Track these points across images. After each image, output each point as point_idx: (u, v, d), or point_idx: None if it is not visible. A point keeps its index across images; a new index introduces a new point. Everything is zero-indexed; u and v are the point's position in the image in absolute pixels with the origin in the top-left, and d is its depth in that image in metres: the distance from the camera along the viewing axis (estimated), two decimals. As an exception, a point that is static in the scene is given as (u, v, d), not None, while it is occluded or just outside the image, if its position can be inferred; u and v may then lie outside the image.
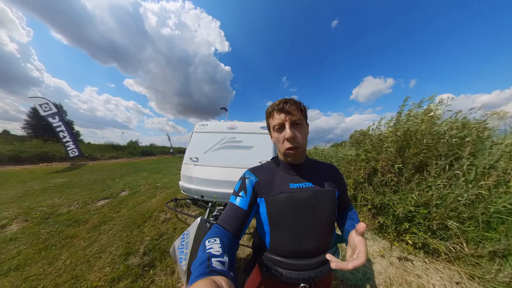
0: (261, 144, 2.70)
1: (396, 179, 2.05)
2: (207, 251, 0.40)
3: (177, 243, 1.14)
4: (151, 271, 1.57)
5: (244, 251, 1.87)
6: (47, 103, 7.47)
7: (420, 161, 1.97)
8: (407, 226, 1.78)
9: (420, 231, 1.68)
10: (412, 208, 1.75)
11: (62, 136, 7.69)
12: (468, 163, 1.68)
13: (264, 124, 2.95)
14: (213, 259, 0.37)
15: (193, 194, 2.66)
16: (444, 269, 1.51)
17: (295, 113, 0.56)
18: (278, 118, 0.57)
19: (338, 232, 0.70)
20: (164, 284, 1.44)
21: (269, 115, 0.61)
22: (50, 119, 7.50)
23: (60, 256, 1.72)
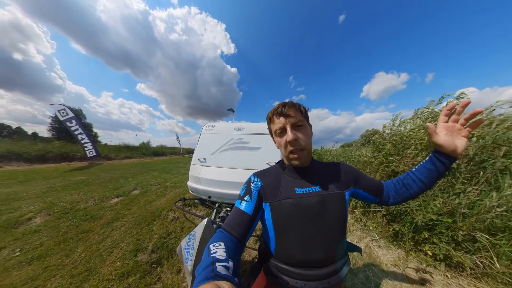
0: (269, 145, 2.68)
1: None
2: (211, 255, 0.40)
3: (183, 243, 1.16)
4: (159, 268, 1.61)
5: (250, 253, 1.85)
6: (64, 109, 8.13)
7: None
8: (426, 236, 1.62)
9: (442, 242, 1.52)
10: (433, 217, 1.58)
11: (80, 138, 8.28)
12: (503, 166, 1.48)
13: None
14: (217, 264, 0.37)
15: (201, 194, 2.70)
16: (469, 285, 1.36)
17: (295, 115, 0.55)
18: (278, 122, 0.56)
19: (349, 239, 0.66)
20: (170, 282, 1.47)
21: (269, 121, 0.61)
22: (68, 123, 8.16)
23: (76, 249, 1.82)
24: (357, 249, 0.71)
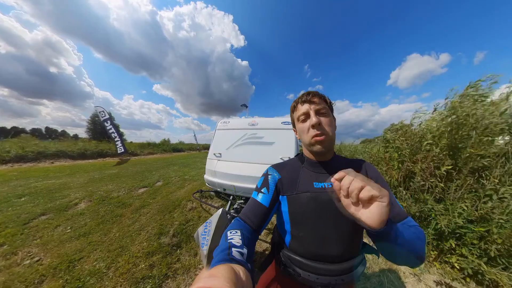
0: (283, 140, 2.68)
1: (442, 185, 1.63)
2: (228, 241, 0.42)
3: (200, 229, 1.27)
4: (178, 250, 1.78)
5: (261, 245, 1.92)
6: (103, 111, 9.33)
7: (481, 162, 1.50)
8: (453, 245, 1.44)
9: (472, 255, 1.33)
10: (461, 222, 1.39)
11: (114, 137, 9.34)
12: None
13: (285, 119, 2.91)
14: (233, 249, 0.39)
15: (216, 187, 2.85)
16: None
17: (319, 102, 0.55)
18: (302, 108, 0.56)
19: (365, 240, 0.62)
20: (188, 263, 1.61)
21: (293, 109, 0.61)
22: (105, 123, 9.33)
23: (112, 229, 2.12)
24: (374, 251, 0.66)
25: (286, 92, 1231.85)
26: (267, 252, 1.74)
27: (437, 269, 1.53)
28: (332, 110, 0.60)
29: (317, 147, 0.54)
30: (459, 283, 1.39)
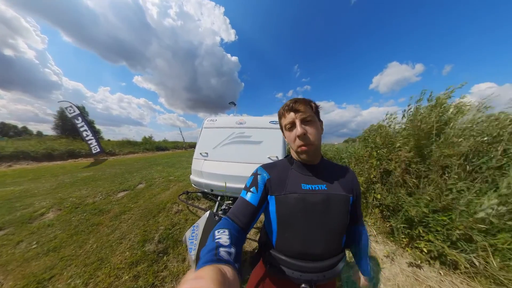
0: (270, 139, 2.67)
1: (414, 180, 1.87)
2: (216, 240, 0.42)
3: (188, 233, 1.24)
4: (165, 257, 1.71)
5: (251, 244, 1.95)
6: (71, 106, 8.22)
7: (445, 161, 1.73)
8: (421, 231, 1.65)
9: (437, 240, 1.54)
10: (426, 210, 1.60)
11: (85, 135, 8.43)
12: (498, 165, 1.48)
13: (273, 118, 2.93)
14: (221, 249, 0.39)
15: (203, 187, 2.77)
16: (462, 283, 1.39)
17: (305, 110, 0.56)
18: (288, 117, 0.58)
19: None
20: (176, 270, 1.57)
21: (281, 116, 0.62)
22: (75, 120, 8.31)
23: (88, 240, 1.94)
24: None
25: (275, 91, 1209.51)
26: (256, 251, 1.78)
27: (409, 253, 1.74)
28: (318, 115, 0.62)
29: (303, 156, 0.59)
30: (426, 263, 1.61)
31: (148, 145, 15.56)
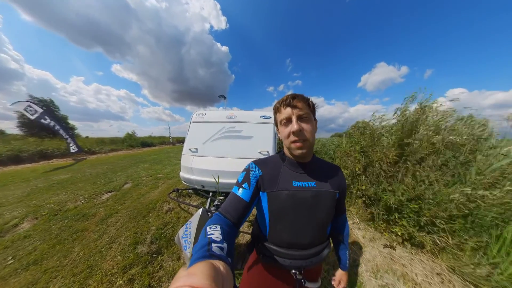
0: (261, 134, 2.66)
1: (393, 170, 2.08)
2: (208, 236, 0.42)
3: (181, 232, 1.23)
4: (159, 257, 1.70)
5: (244, 237, 2.00)
6: (29, 106, 6.75)
7: (420, 155, 1.96)
8: (396, 217, 1.87)
9: (410, 225, 1.78)
10: (403, 199, 1.81)
11: (61, 133, 7.53)
12: (463, 161, 1.71)
13: (264, 113, 2.89)
14: (213, 244, 0.39)
15: (194, 184, 2.73)
16: (428, 260, 1.64)
17: (302, 107, 0.56)
18: (285, 112, 0.57)
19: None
20: (172, 269, 1.57)
21: (276, 110, 0.62)
22: (42, 121, 7.12)
23: (73, 249, 1.84)
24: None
25: (266, 84, 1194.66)
26: (249, 242, 1.86)
27: (386, 238, 1.99)
28: (314, 114, 0.63)
29: (297, 152, 0.59)
30: (399, 245, 1.86)
31: (132, 141, 14.65)
